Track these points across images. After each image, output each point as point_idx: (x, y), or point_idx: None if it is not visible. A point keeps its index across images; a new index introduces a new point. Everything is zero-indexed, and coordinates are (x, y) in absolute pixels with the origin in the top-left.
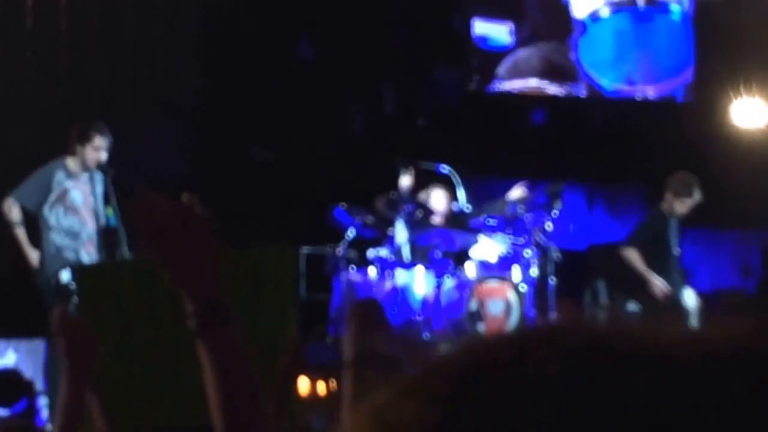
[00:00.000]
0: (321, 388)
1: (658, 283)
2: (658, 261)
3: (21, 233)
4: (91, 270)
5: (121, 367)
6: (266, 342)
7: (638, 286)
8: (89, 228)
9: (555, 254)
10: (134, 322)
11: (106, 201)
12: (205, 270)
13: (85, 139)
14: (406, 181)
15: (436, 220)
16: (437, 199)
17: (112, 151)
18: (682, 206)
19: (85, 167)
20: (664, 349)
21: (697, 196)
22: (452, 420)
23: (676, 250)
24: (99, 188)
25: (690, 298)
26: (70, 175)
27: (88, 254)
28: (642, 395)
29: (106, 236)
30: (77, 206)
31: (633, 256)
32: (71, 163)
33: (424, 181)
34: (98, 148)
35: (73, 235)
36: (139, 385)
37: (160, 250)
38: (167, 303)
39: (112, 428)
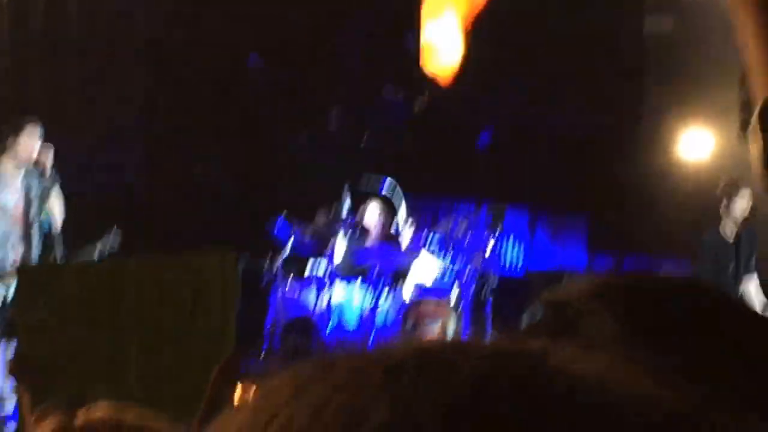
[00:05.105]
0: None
1: None
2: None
3: None
4: (33, 270)
5: (60, 362)
6: (209, 347)
7: None
8: (17, 231)
9: (493, 277)
10: (74, 321)
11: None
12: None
13: (18, 128)
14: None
15: (372, 235)
16: (371, 214)
17: (60, 159)
18: (728, 214)
19: (22, 162)
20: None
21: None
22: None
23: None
24: (35, 193)
25: None
26: (1, 178)
27: (15, 258)
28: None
29: (43, 239)
30: (8, 209)
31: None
32: (6, 164)
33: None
34: (32, 135)
35: (3, 238)
36: (77, 381)
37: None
38: (107, 305)
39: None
